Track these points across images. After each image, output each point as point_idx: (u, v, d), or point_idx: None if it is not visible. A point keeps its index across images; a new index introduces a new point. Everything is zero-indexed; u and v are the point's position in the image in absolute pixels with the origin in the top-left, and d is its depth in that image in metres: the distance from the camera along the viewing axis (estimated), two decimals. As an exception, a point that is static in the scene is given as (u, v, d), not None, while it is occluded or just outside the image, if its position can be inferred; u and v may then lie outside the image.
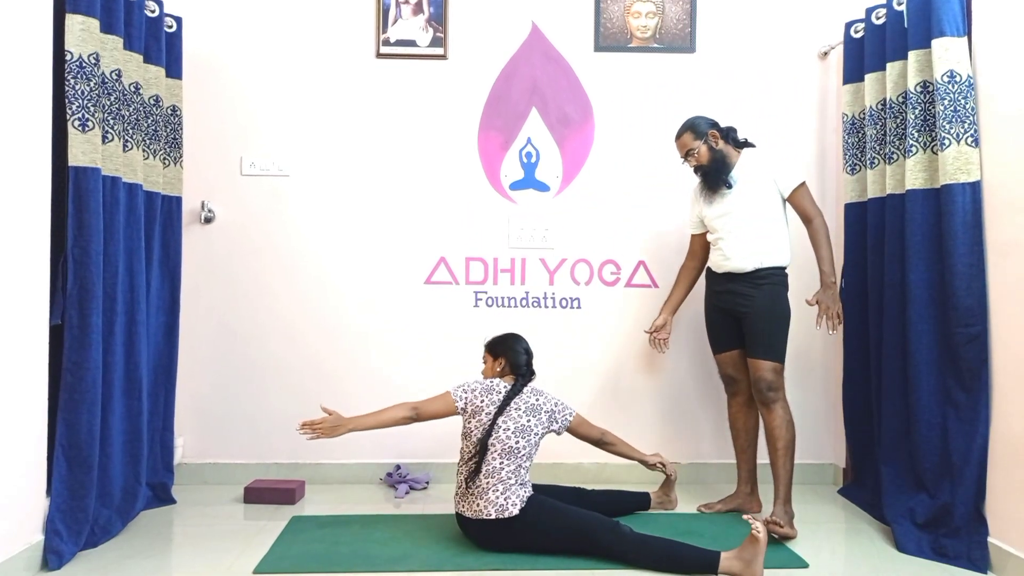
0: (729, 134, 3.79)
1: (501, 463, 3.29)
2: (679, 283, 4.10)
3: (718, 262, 3.81)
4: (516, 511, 3.23)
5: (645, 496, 3.88)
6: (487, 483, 3.27)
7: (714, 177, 3.73)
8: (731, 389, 3.94)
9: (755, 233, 3.69)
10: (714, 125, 3.76)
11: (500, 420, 3.34)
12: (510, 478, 3.28)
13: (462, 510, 3.34)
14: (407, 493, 4.18)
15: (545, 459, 4.14)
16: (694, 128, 3.75)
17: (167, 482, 3.98)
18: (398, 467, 4.33)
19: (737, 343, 3.83)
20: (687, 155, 3.78)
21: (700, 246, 4.01)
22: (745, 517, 3.16)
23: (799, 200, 3.71)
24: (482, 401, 3.40)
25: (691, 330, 4.38)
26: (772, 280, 3.71)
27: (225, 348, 4.36)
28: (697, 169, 3.79)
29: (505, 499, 3.24)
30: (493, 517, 3.23)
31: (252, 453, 4.36)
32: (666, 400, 4.49)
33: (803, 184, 3.70)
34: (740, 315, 3.75)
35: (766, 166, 3.72)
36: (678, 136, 3.81)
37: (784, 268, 3.74)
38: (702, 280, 4.01)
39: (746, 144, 3.81)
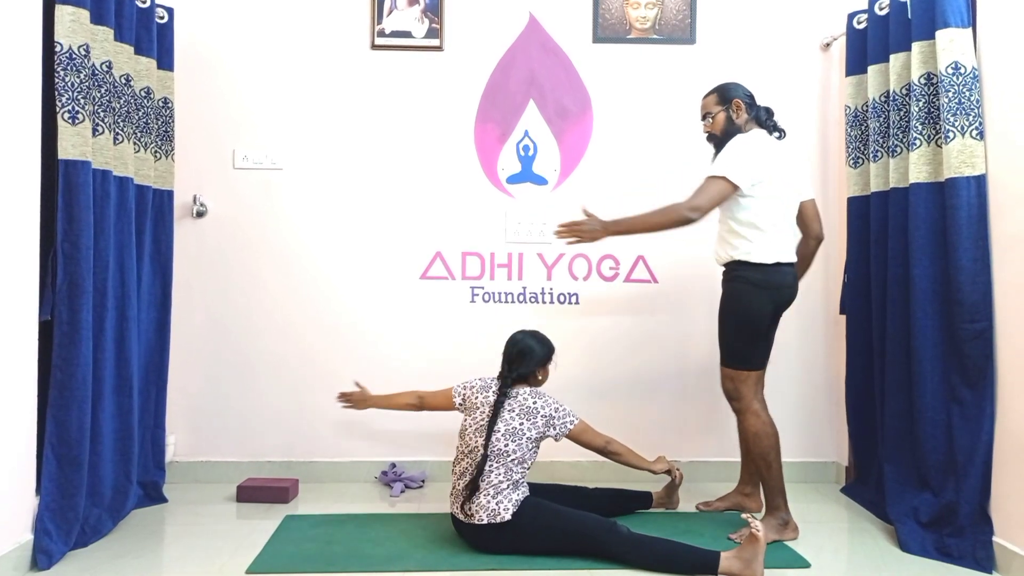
0: (760, 113, 3.57)
1: (490, 466, 3.23)
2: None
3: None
4: (508, 516, 3.17)
5: (647, 495, 3.84)
6: (480, 487, 3.24)
7: (719, 148, 3.53)
8: None
9: (723, 224, 3.53)
10: (747, 97, 3.57)
11: (495, 424, 3.30)
12: (501, 482, 3.22)
13: (455, 512, 3.31)
14: (402, 492, 4.14)
15: (542, 457, 4.09)
16: (721, 92, 3.58)
17: (158, 480, 3.94)
18: (393, 465, 4.29)
19: None
20: (703, 117, 3.63)
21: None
22: (744, 516, 3.10)
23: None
24: (477, 398, 3.38)
25: (689, 326, 4.34)
26: (736, 275, 3.49)
27: (217, 344, 4.32)
28: (710, 138, 3.63)
29: (496, 504, 3.19)
30: (485, 522, 3.19)
31: (245, 451, 4.32)
32: (664, 397, 4.45)
33: (711, 177, 3.37)
34: None
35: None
36: (704, 96, 3.65)
37: (752, 263, 3.43)
38: (707, 279, 3.93)
39: (775, 130, 3.58)
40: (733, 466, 3.99)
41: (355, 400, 3.84)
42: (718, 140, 3.57)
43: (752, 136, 3.48)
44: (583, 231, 3.45)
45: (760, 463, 3.50)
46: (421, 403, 3.68)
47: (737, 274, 3.49)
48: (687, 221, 3.35)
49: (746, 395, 3.51)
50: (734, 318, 3.50)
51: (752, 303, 3.46)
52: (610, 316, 4.45)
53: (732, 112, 3.55)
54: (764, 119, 3.57)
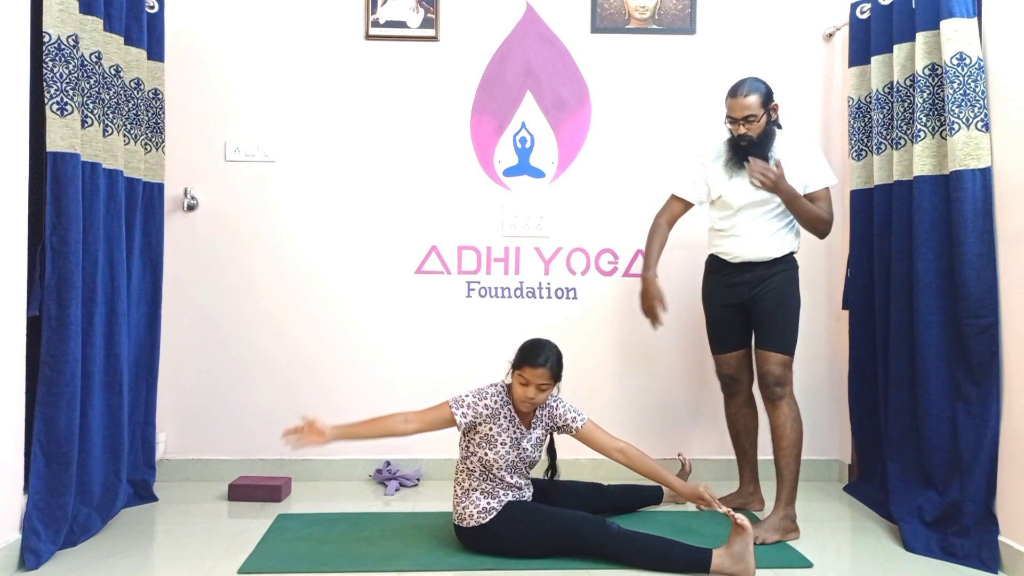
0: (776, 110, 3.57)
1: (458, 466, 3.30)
2: (657, 240, 3.76)
3: (733, 251, 3.59)
4: (473, 523, 3.16)
5: (658, 490, 3.82)
6: (455, 484, 3.28)
7: (758, 153, 3.46)
8: (731, 390, 3.81)
9: (780, 219, 3.54)
10: (773, 98, 3.53)
11: None
12: (463, 482, 3.23)
13: None
14: (397, 490, 4.11)
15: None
16: (761, 93, 3.44)
17: (148, 479, 3.91)
18: (388, 463, 4.26)
19: (743, 343, 3.72)
20: (744, 119, 3.43)
21: (680, 212, 3.77)
22: (722, 510, 3.05)
23: (818, 197, 3.53)
24: None
25: (689, 321, 4.29)
26: (786, 266, 3.59)
27: (209, 340, 4.28)
28: (743, 139, 3.48)
29: (463, 508, 3.19)
30: (456, 523, 3.22)
31: (236, 449, 4.29)
32: (664, 394, 4.42)
33: (828, 188, 3.55)
34: (751, 304, 3.59)
35: (803, 156, 3.54)
36: (743, 95, 3.43)
37: (795, 254, 3.63)
38: (695, 272, 3.89)
39: (776, 125, 3.59)
40: (733, 463, 3.95)
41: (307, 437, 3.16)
42: (756, 144, 3.48)
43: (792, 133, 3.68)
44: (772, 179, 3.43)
45: (790, 452, 3.50)
46: None
47: (793, 263, 3.62)
48: (823, 235, 3.61)
49: (791, 381, 3.56)
50: (796, 309, 3.60)
51: (799, 290, 3.62)
52: (609, 311, 4.41)
53: (771, 114, 3.53)
54: (776, 119, 3.61)
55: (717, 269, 3.73)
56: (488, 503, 3.17)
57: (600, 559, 3.10)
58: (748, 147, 3.48)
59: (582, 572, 3.06)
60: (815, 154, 3.60)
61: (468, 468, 3.22)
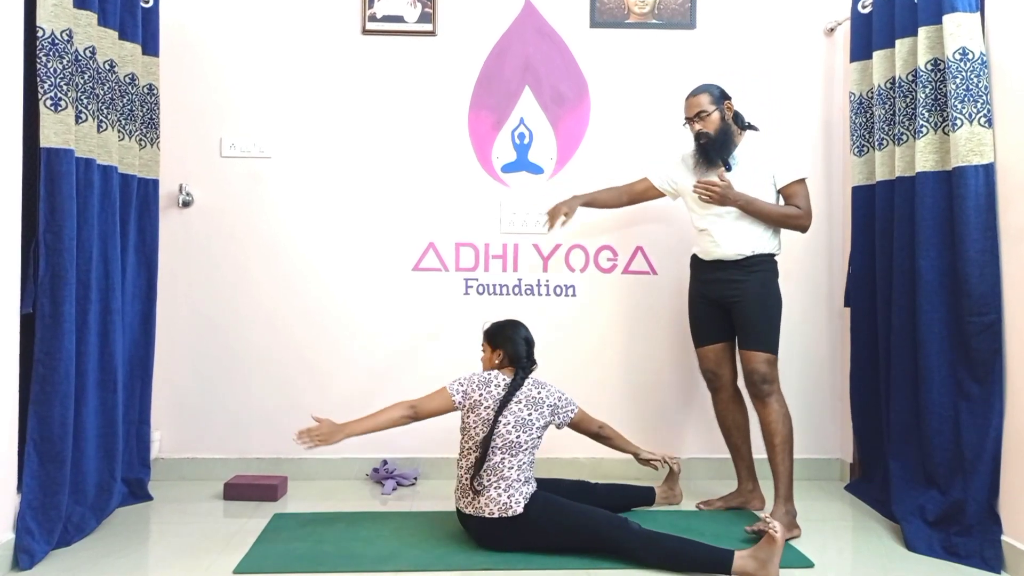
0: (737, 113, 3.66)
1: (502, 458, 3.18)
2: (608, 191, 4.04)
3: (708, 249, 3.67)
4: (520, 509, 3.12)
5: (650, 491, 3.80)
6: (489, 480, 3.17)
7: (716, 150, 3.58)
8: (714, 385, 3.84)
9: (749, 219, 3.56)
10: (729, 97, 3.65)
11: (501, 416, 3.22)
12: (512, 475, 3.17)
13: (463, 507, 3.25)
14: (394, 489, 4.08)
15: (540, 453, 4.03)
16: (711, 92, 3.60)
17: (143, 478, 3.88)
18: (385, 462, 4.24)
19: (722, 336, 3.75)
20: (696, 116, 3.59)
21: (641, 194, 3.99)
22: (763, 516, 3.07)
23: (790, 193, 3.58)
24: (480, 395, 3.29)
25: (687, 321, 4.26)
26: (763, 267, 3.60)
27: (204, 338, 4.26)
28: (700, 136, 3.61)
29: (508, 497, 3.14)
30: (496, 516, 3.13)
31: (232, 447, 4.27)
32: (663, 393, 4.40)
33: (802, 180, 3.57)
34: (729, 305, 3.64)
35: (769, 154, 3.60)
36: (693, 95, 3.63)
37: (775, 256, 3.64)
38: (684, 268, 3.88)
39: (749, 127, 3.68)
40: (729, 463, 3.93)
41: (322, 435, 3.30)
42: (712, 140, 3.59)
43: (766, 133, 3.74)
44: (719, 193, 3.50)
45: (783, 448, 3.53)
46: (415, 414, 3.34)
47: (770, 265, 3.64)
48: (802, 230, 3.65)
49: (777, 378, 3.59)
50: (776, 308, 3.63)
51: (778, 290, 3.66)
52: (608, 309, 4.39)
53: (724, 112, 3.61)
54: (742, 118, 3.68)
55: (695, 267, 3.84)
56: (527, 488, 3.19)
57: (617, 556, 3.08)
58: (707, 145, 3.59)
59: (586, 573, 3.03)
60: (782, 150, 3.67)
61: (533, 461, 3.29)
